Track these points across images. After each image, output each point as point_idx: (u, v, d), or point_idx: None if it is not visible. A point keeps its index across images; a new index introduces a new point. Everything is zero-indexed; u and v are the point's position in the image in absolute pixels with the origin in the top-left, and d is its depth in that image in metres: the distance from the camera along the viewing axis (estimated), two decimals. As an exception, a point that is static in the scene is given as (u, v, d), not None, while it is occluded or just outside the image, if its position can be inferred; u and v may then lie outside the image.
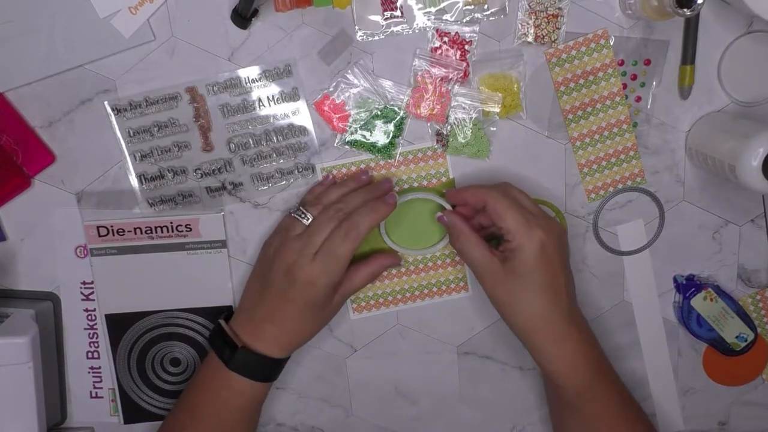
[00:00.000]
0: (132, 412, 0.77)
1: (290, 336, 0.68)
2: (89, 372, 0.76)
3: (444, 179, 0.73)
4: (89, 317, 0.75)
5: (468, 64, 0.70)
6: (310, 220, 0.67)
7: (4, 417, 0.66)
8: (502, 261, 0.65)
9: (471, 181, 0.74)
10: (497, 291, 0.66)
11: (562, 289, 0.65)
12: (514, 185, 0.68)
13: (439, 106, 0.71)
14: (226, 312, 0.73)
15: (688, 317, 0.77)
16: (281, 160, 0.72)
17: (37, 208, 0.72)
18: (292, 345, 0.69)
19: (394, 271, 0.76)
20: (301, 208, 0.68)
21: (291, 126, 0.71)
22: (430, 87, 0.70)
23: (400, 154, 0.72)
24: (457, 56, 0.70)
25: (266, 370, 0.68)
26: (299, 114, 0.71)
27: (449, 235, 0.70)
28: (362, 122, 0.71)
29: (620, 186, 0.75)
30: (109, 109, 0.70)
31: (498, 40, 0.70)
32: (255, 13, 0.67)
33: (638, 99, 0.73)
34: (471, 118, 0.71)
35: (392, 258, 0.73)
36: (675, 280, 0.79)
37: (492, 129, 0.72)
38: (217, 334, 0.69)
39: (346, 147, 0.72)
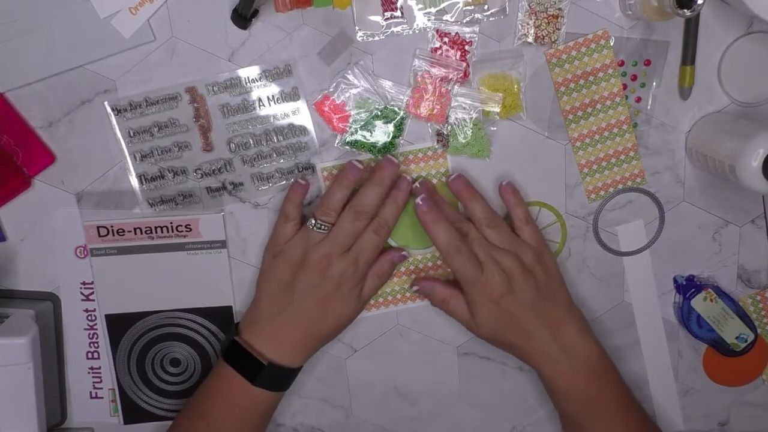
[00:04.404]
0: (132, 412, 0.77)
1: (313, 340, 0.69)
2: (89, 372, 0.76)
3: (444, 179, 0.73)
4: (89, 317, 0.75)
5: (468, 65, 0.70)
6: (329, 227, 0.67)
7: (4, 417, 0.66)
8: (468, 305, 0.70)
9: (473, 184, 0.73)
10: (464, 320, 0.72)
11: (534, 330, 0.68)
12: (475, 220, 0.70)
13: (438, 107, 0.71)
14: (234, 325, 0.72)
15: (688, 318, 0.77)
16: (281, 160, 0.72)
17: (37, 209, 0.72)
18: (313, 348, 0.70)
19: (394, 271, 0.75)
20: (319, 220, 0.67)
21: (291, 126, 0.71)
22: (430, 87, 0.70)
23: (399, 153, 0.72)
24: (457, 57, 0.70)
25: (289, 380, 0.70)
26: (299, 114, 0.71)
27: (427, 297, 0.74)
28: (362, 122, 0.71)
29: (620, 186, 0.75)
30: (109, 110, 0.70)
31: (498, 40, 0.70)
32: (255, 13, 0.67)
33: (638, 99, 0.73)
34: (471, 118, 0.71)
35: (397, 254, 0.72)
36: (675, 280, 0.79)
37: (492, 129, 0.72)
38: (238, 350, 0.68)
39: (347, 147, 0.72)
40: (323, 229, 0.67)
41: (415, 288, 0.73)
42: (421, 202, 0.68)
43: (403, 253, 0.73)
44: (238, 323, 0.71)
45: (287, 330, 0.68)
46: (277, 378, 0.68)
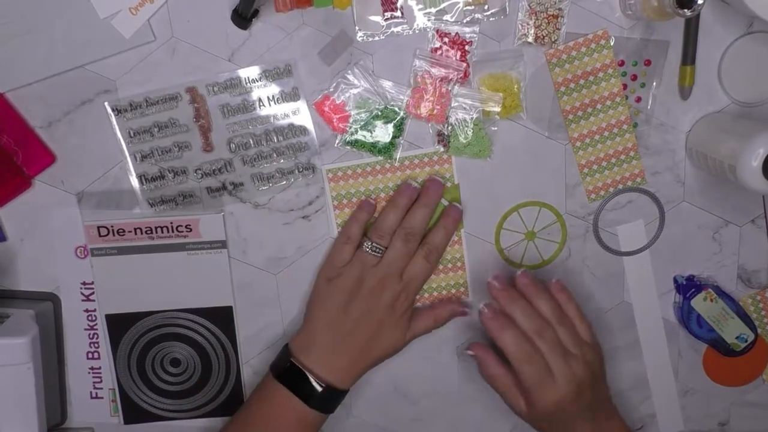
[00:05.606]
0: (132, 412, 0.77)
1: (364, 364, 0.71)
2: (89, 372, 0.76)
3: (449, 184, 0.73)
4: (89, 317, 0.75)
5: (468, 65, 0.70)
6: (383, 250, 0.69)
7: (4, 417, 0.66)
8: (525, 397, 0.68)
9: (473, 184, 0.74)
10: (515, 409, 0.70)
11: (578, 427, 0.68)
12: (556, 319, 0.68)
13: (439, 107, 0.71)
14: (284, 346, 0.72)
15: (688, 318, 0.77)
16: (281, 160, 0.72)
17: (37, 209, 0.72)
18: (363, 372, 0.71)
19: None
20: (374, 243, 0.69)
21: (291, 126, 0.71)
22: (430, 87, 0.70)
23: (405, 158, 0.72)
24: (458, 57, 0.70)
25: (339, 402, 0.71)
26: (299, 114, 0.71)
27: (477, 364, 0.72)
28: (362, 122, 0.71)
29: (620, 186, 0.75)
30: (109, 110, 0.70)
31: (498, 40, 0.70)
32: (255, 13, 0.67)
33: (638, 99, 0.73)
34: (472, 118, 0.71)
35: (460, 309, 0.74)
36: (675, 280, 0.79)
37: (493, 129, 0.72)
38: (295, 373, 0.69)
39: (347, 147, 0.72)
40: (378, 253, 0.69)
41: (470, 352, 0.72)
42: (486, 310, 0.69)
43: (466, 309, 0.74)
44: (287, 345, 0.71)
45: (341, 355, 0.69)
46: (330, 400, 0.70)
